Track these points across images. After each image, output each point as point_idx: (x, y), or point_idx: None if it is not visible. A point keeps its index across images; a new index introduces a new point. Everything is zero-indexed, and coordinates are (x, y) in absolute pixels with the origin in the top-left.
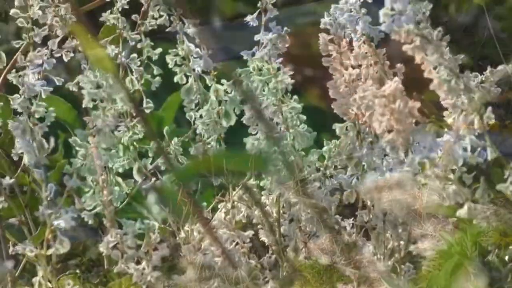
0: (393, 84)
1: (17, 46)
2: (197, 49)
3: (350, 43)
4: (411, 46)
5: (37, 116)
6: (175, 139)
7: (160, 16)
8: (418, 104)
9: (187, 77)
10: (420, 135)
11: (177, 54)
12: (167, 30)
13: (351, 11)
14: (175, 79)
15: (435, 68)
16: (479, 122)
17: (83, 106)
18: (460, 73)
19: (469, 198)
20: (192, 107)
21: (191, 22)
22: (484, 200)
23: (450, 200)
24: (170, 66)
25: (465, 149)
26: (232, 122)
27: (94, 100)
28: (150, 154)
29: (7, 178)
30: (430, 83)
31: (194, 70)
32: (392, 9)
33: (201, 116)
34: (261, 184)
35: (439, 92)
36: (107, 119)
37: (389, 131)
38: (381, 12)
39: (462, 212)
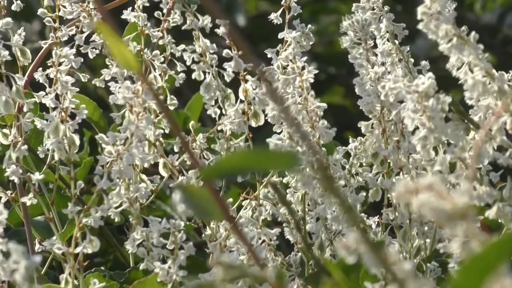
0: (427, 81)
1: (43, 45)
2: (227, 50)
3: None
4: (448, 46)
5: (68, 113)
6: (200, 135)
7: (175, 12)
8: (449, 99)
9: (205, 73)
10: (451, 133)
11: (194, 51)
12: (182, 28)
13: (373, 9)
14: (193, 75)
15: (470, 69)
16: (511, 123)
17: (111, 103)
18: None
19: (498, 198)
20: (212, 104)
21: (221, 21)
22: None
23: (480, 200)
24: (188, 63)
25: (495, 149)
26: (261, 123)
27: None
28: (175, 149)
29: (37, 174)
30: (454, 82)
31: (212, 66)
32: (430, 7)
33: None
34: (285, 181)
35: (473, 93)
36: (141, 124)
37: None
38: (419, 10)
39: (491, 213)
